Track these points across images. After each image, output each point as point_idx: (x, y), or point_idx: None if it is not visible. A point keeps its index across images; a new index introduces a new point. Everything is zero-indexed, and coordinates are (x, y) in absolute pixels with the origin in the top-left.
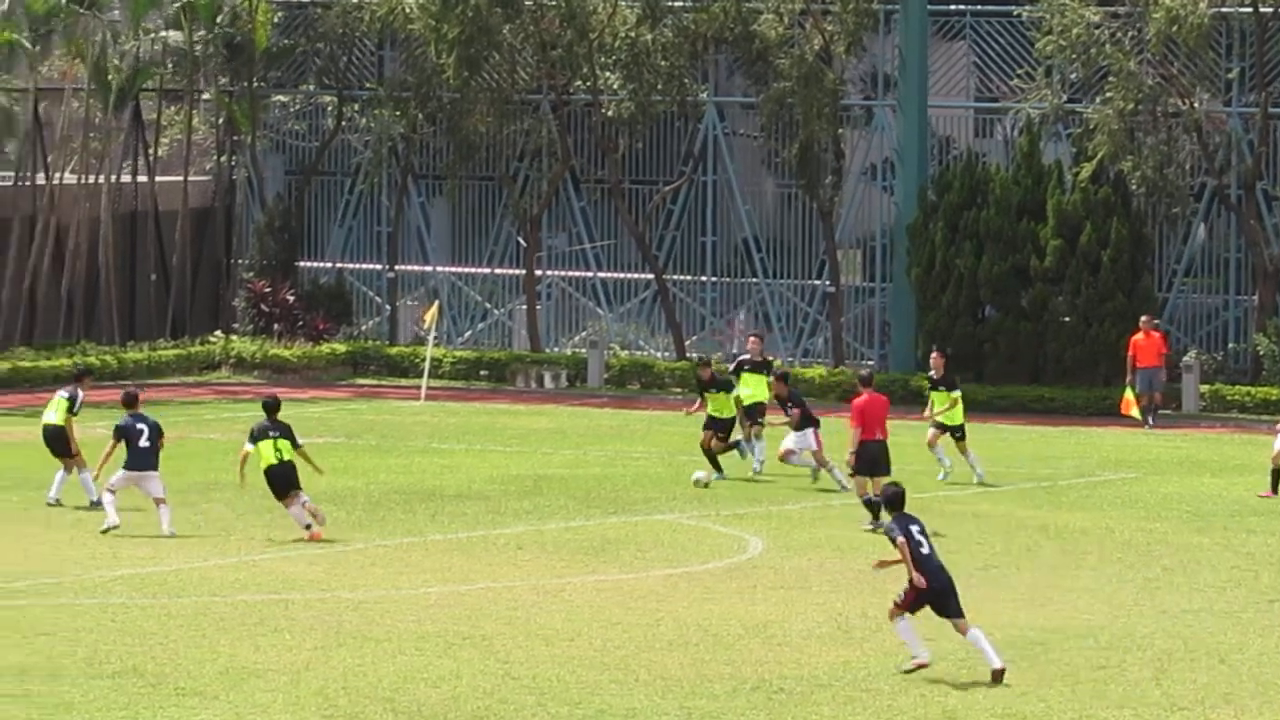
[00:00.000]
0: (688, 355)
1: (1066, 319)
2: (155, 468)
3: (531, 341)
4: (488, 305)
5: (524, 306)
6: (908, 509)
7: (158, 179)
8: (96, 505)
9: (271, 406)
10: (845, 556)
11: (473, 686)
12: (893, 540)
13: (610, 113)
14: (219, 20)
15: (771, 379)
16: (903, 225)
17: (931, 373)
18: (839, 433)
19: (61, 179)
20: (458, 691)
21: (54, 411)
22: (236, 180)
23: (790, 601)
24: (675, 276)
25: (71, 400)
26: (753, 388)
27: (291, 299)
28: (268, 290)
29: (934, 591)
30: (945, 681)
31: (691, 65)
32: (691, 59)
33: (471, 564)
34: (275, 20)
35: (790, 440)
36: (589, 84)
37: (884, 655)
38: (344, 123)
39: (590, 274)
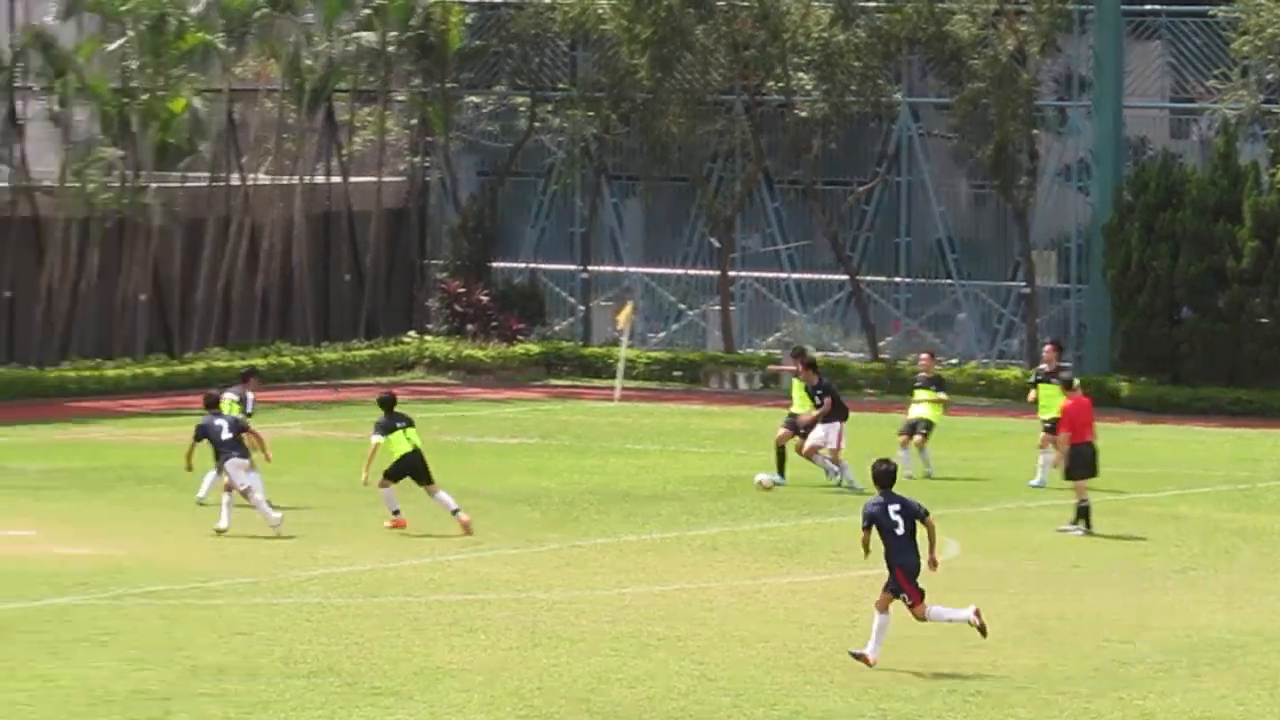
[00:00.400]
0: (880, 356)
1: (1264, 320)
2: (246, 455)
3: (725, 342)
4: (681, 306)
5: (717, 307)
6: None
7: (351, 180)
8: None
9: (388, 401)
10: (1041, 558)
11: (668, 688)
12: (873, 519)
13: (804, 113)
14: (411, 21)
15: (800, 366)
16: (1098, 226)
17: (1043, 365)
18: (1034, 433)
19: (256, 180)
20: (652, 692)
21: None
22: (430, 181)
23: (986, 603)
24: (869, 277)
25: (241, 402)
26: (922, 403)
27: (485, 299)
28: (461, 291)
29: (908, 568)
30: (1142, 684)
31: (885, 66)
32: (885, 59)
33: (666, 565)
34: (467, 21)
35: (818, 433)
36: (782, 85)
37: (1081, 658)
38: (537, 123)
39: (784, 275)
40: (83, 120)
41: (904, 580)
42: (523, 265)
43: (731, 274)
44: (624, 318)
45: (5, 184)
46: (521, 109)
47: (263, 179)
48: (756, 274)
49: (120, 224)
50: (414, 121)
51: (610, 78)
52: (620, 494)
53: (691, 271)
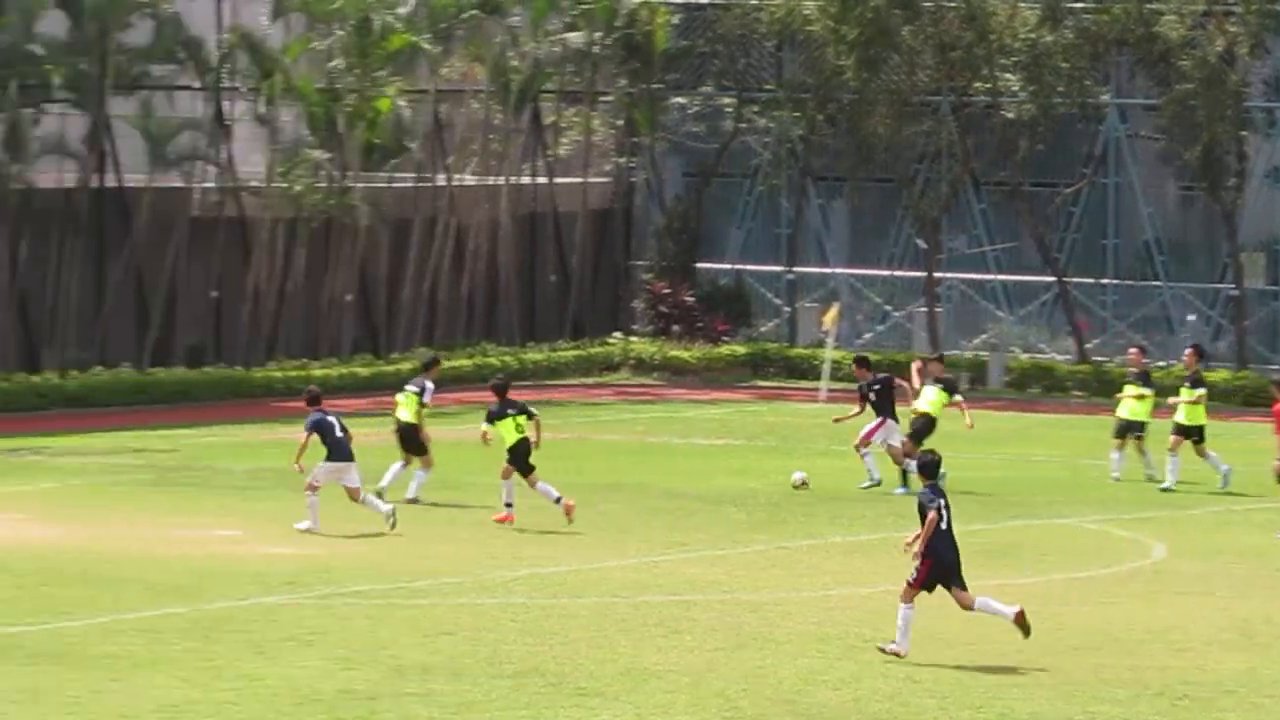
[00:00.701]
0: (1088, 359)
1: None
2: (353, 458)
3: (931, 344)
4: (887, 308)
5: (923, 309)
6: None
7: (556, 180)
8: (413, 502)
9: (502, 387)
10: (1249, 561)
11: (874, 690)
12: (923, 509)
13: (1011, 114)
14: (617, 22)
15: (853, 365)
16: None
17: (1131, 368)
18: (1242, 436)
19: (461, 180)
20: (858, 694)
21: (405, 410)
22: (635, 182)
23: (1193, 606)
24: (1076, 279)
25: (420, 392)
26: (1134, 400)
27: (690, 300)
28: (667, 292)
29: (947, 565)
30: None
31: (1092, 67)
32: (1092, 60)
33: (872, 566)
34: (674, 22)
35: (882, 433)
36: (989, 86)
37: None
38: (743, 124)
39: (990, 276)
40: (289, 121)
41: (927, 570)
42: (728, 266)
43: (937, 275)
44: (830, 319)
45: (213, 184)
46: (727, 110)
47: (469, 180)
48: (962, 275)
49: (327, 224)
50: (620, 122)
51: (816, 78)
52: (826, 495)
53: (897, 273)
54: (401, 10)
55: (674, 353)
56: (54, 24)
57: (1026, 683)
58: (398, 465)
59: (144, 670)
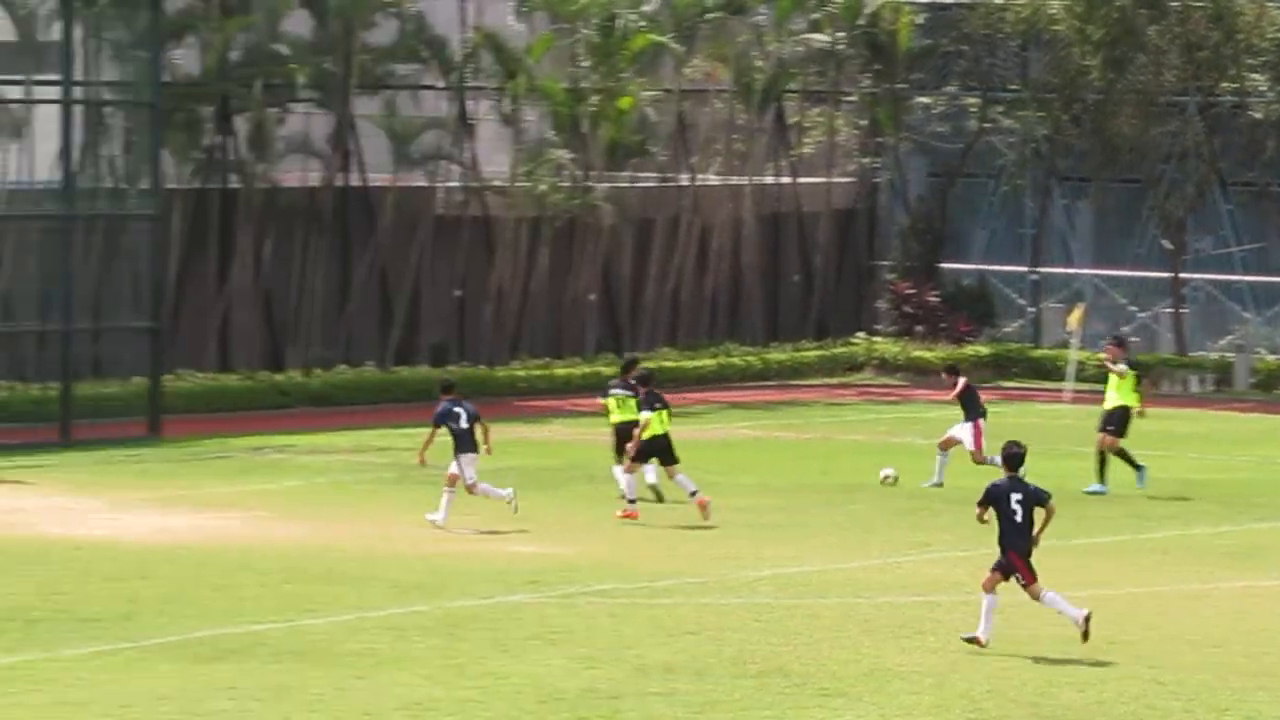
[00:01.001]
0: None
1: None
2: (475, 450)
3: (1177, 345)
4: (1132, 308)
5: (1169, 310)
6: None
7: (800, 180)
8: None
9: (646, 377)
10: None
11: (1118, 691)
12: (990, 501)
13: (1258, 115)
14: (860, 22)
15: (944, 374)
16: None
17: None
18: None
19: (705, 180)
20: (1103, 696)
21: (623, 412)
22: (879, 182)
23: None
24: None
25: (634, 394)
26: None
27: (934, 301)
28: (911, 292)
29: (1016, 553)
30: None
31: None
32: None
33: (1116, 568)
34: (918, 21)
35: (954, 429)
36: (1236, 86)
37: None
38: (987, 124)
39: (1237, 277)
40: (533, 120)
41: (1019, 562)
42: (972, 267)
43: (1183, 276)
44: (1075, 320)
45: (457, 183)
46: (972, 110)
47: (712, 179)
48: (1208, 276)
49: (570, 224)
50: (864, 122)
51: (1061, 78)
52: (1072, 497)
53: (1142, 273)
54: (645, 9)
55: (917, 353)
56: (299, 24)
57: (1275, 686)
58: (644, 471)
59: (388, 668)
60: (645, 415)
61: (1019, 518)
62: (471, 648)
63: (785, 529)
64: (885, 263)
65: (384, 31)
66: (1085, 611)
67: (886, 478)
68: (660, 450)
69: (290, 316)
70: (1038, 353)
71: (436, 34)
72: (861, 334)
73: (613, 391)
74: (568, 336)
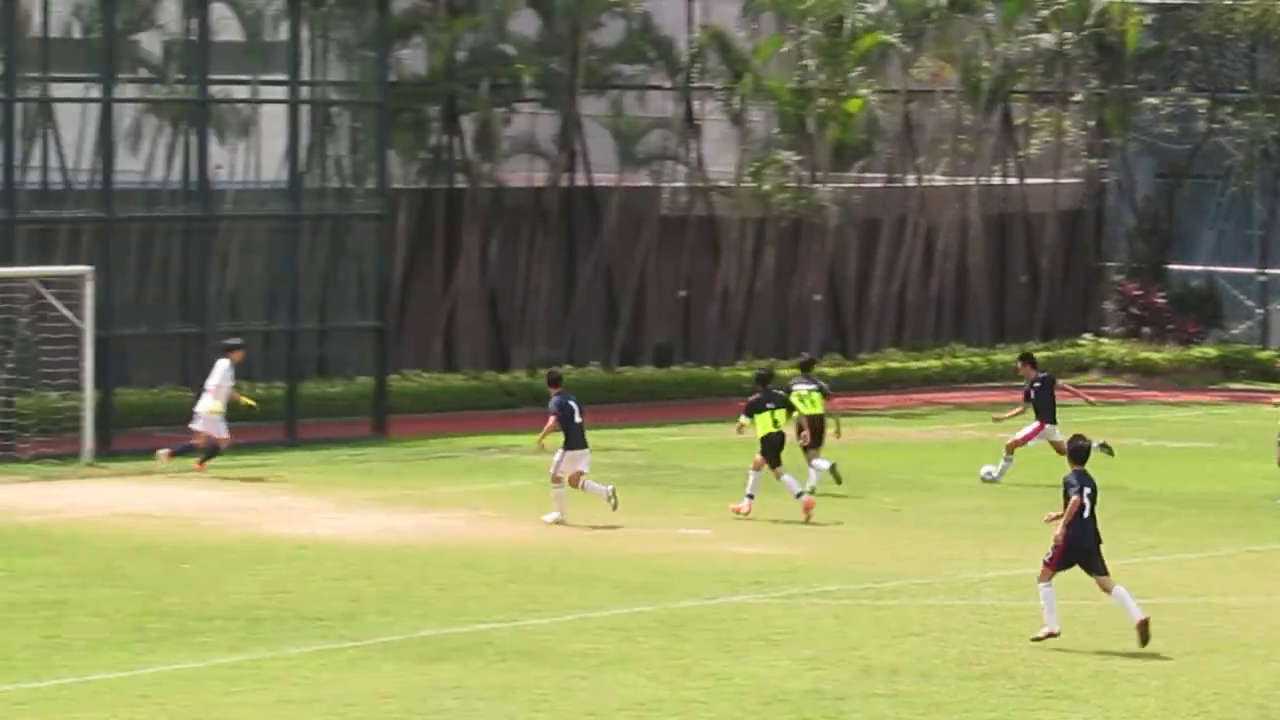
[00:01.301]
0: None
1: None
2: (587, 445)
3: None
4: None
5: None
6: None
7: (1027, 181)
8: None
9: (765, 377)
10: None
11: None
12: (1068, 492)
13: None
14: (1088, 22)
15: (1018, 362)
16: None
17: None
18: None
19: (931, 181)
20: None
21: (813, 405)
22: (1107, 183)
23: None
24: None
25: (820, 389)
26: None
27: (1162, 302)
28: (1137, 293)
29: (1082, 550)
30: None
31: None
32: None
33: None
34: (1146, 22)
35: (1025, 431)
36: None
37: None
38: (1215, 125)
39: None
40: (759, 120)
41: (1059, 554)
42: (1199, 268)
43: None
44: None
45: (682, 184)
46: (1200, 111)
47: (938, 180)
48: None
49: (796, 224)
50: (1091, 123)
51: None
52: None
53: None
54: (872, 9)
55: (1144, 354)
56: (525, 23)
57: None
58: (820, 462)
59: (612, 668)
60: (743, 419)
61: (1087, 513)
62: (695, 648)
63: (1009, 530)
64: (1112, 264)
65: (610, 31)
66: (1144, 615)
67: (993, 476)
68: (773, 449)
69: (515, 316)
70: (1265, 355)
71: (663, 34)
72: (1088, 335)
73: (796, 388)
74: (793, 337)
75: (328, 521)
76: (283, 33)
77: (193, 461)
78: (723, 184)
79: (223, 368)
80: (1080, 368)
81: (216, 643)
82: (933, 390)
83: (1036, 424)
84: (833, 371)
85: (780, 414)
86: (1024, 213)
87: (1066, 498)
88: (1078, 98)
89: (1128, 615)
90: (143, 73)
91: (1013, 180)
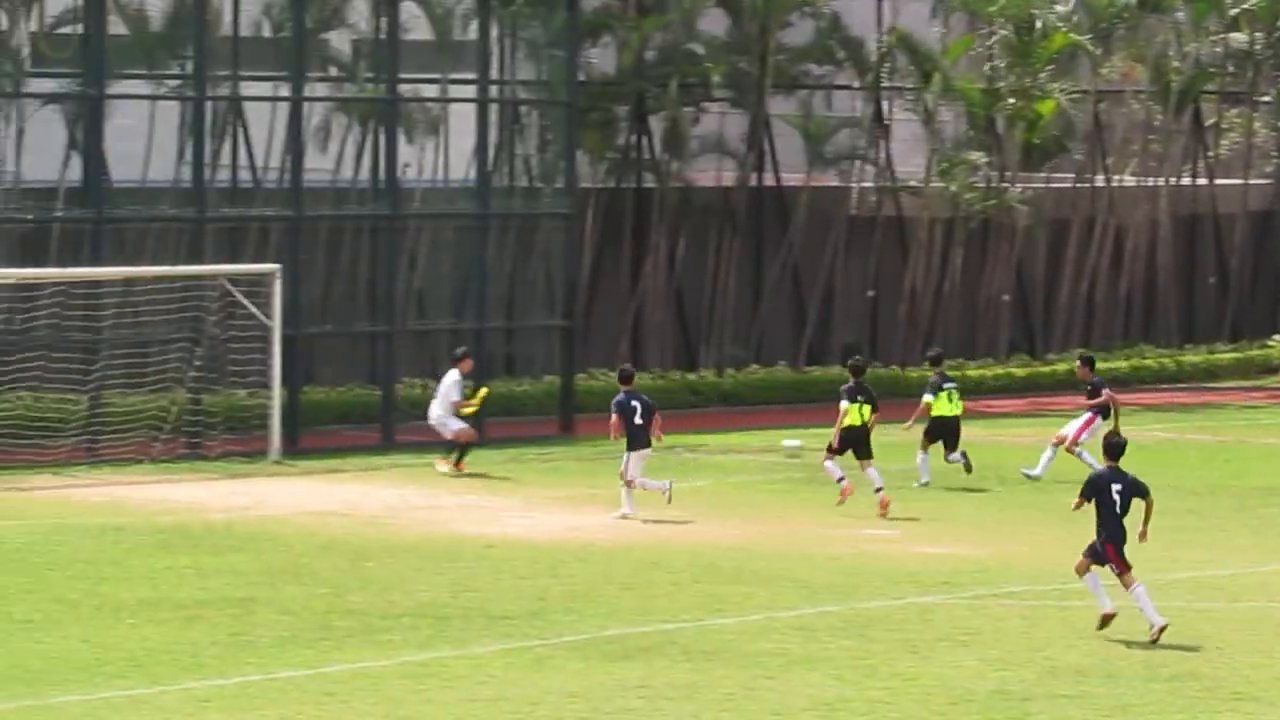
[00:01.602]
0: None
1: None
2: (649, 445)
3: None
4: None
5: None
6: None
7: (1216, 182)
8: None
9: (859, 368)
10: None
11: None
12: (1086, 490)
13: None
14: (1279, 22)
15: (1077, 363)
16: None
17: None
18: None
19: (1120, 181)
20: None
21: (953, 404)
22: None
23: None
24: None
25: (959, 388)
26: None
27: None
28: None
29: (1112, 543)
30: None
31: None
32: None
33: None
34: None
35: (1069, 427)
36: None
37: None
38: None
39: None
40: (948, 121)
41: (1112, 551)
42: None
43: None
44: None
45: (870, 184)
46: None
47: (1128, 180)
48: None
49: (984, 224)
50: None
51: None
52: None
53: None
54: (1060, 9)
55: None
56: (714, 23)
57: None
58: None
59: (798, 667)
60: (844, 405)
61: (1118, 508)
62: (882, 649)
63: (1198, 532)
64: None
65: (799, 31)
66: (1163, 622)
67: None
68: (856, 441)
69: (703, 316)
70: None
71: (852, 34)
72: (1277, 337)
73: (947, 385)
74: (981, 337)
75: (515, 520)
76: (472, 31)
77: (452, 461)
78: (912, 184)
79: (451, 379)
80: (1269, 369)
81: (403, 641)
82: (1120, 391)
83: (1091, 415)
84: (1020, 373)
85: (867, 409)
86: (1213, 213)
87: (1086, 498)
88: (1268, 98)
89: (1149, 621)
90: (332, 71)
91: (1202, 181)
